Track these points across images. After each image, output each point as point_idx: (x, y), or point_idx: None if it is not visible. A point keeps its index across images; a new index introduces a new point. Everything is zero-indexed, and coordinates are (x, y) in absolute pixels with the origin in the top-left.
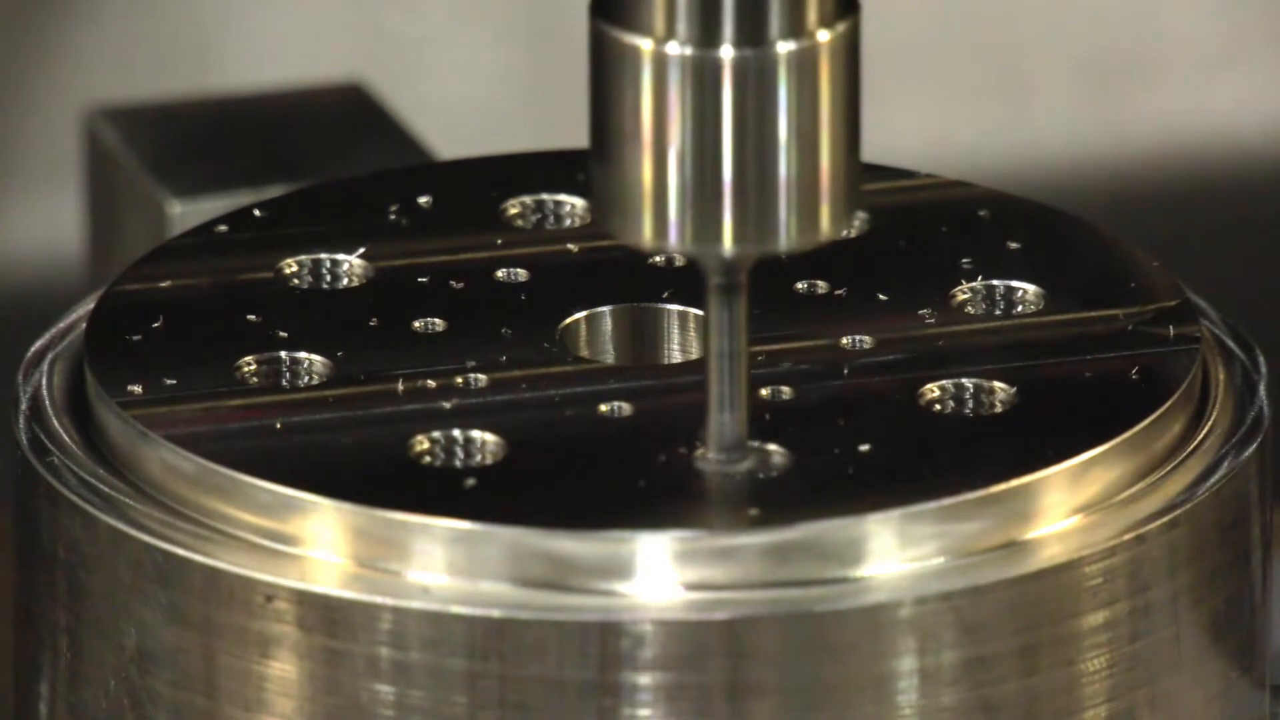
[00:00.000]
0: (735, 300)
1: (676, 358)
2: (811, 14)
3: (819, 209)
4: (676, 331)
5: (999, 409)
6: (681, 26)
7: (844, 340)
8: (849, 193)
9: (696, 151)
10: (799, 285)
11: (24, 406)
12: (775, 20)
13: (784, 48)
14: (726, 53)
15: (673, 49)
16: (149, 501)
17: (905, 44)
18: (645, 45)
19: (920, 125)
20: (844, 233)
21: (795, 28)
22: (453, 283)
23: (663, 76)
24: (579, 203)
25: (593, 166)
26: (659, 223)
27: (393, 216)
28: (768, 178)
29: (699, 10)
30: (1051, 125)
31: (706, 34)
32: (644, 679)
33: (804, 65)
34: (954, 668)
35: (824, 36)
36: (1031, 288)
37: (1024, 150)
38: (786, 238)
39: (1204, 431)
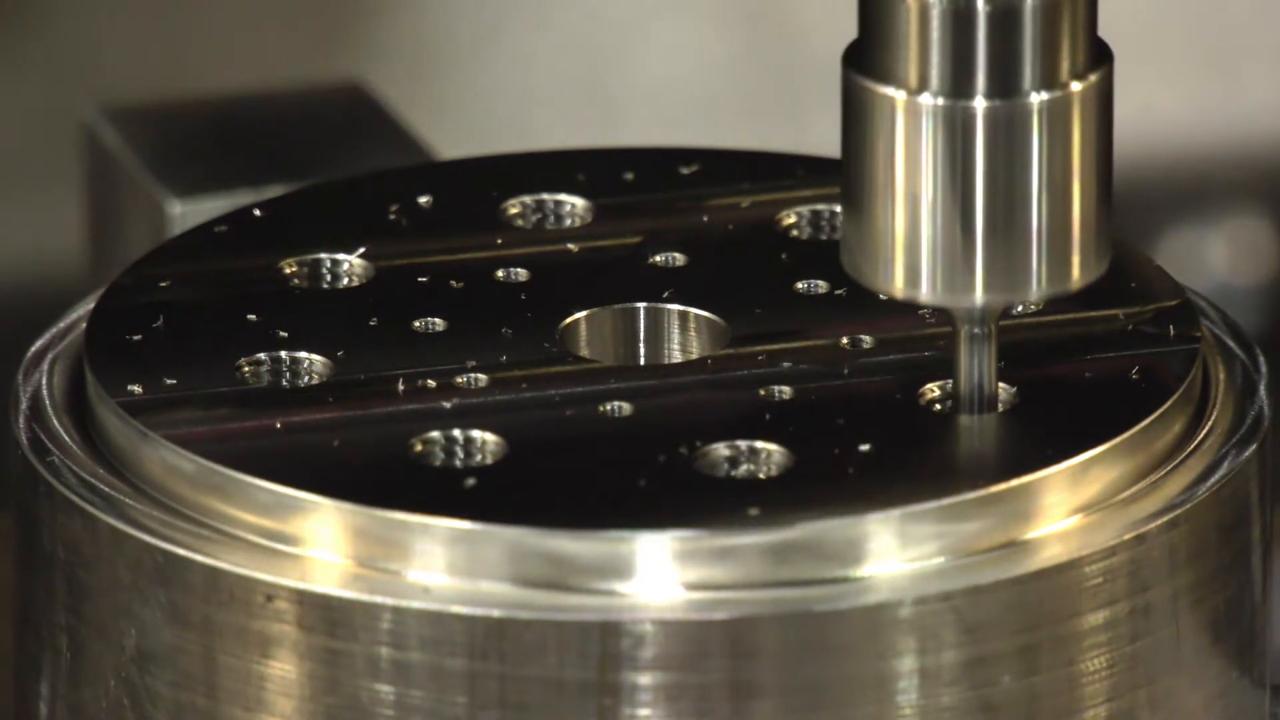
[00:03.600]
0: (985, 347)
1: (676, 358)
2: (1064, 65)
3: (1070, 257)
4: (676, 331)
5: (999, 409)
6: (935, 78)
7: (844, 340)
8: (1100, 240)
9: (949, 202)
10: (799, 285)
11: (24, 406)
12: (1028, 71)
13: (1036, 99)
14: (979, 104)
15: (926, 100)
16: (149, 501)
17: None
18: (899, 96)
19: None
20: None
21: (1048, 79)
22: (453, 282)
23: (916, 127)
24: (579, 202)
25: (844, 215)
26: (911, 273)
27: (393, 216)
28: (1020, 228)
29: (952, 62)
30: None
31: (960, 85)
32: (644, 679)
33: (1056, 116)
34: (954, 668)
35: (1077, 87)
36: None
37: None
38: (1037, 287)
39: (1204, 431)
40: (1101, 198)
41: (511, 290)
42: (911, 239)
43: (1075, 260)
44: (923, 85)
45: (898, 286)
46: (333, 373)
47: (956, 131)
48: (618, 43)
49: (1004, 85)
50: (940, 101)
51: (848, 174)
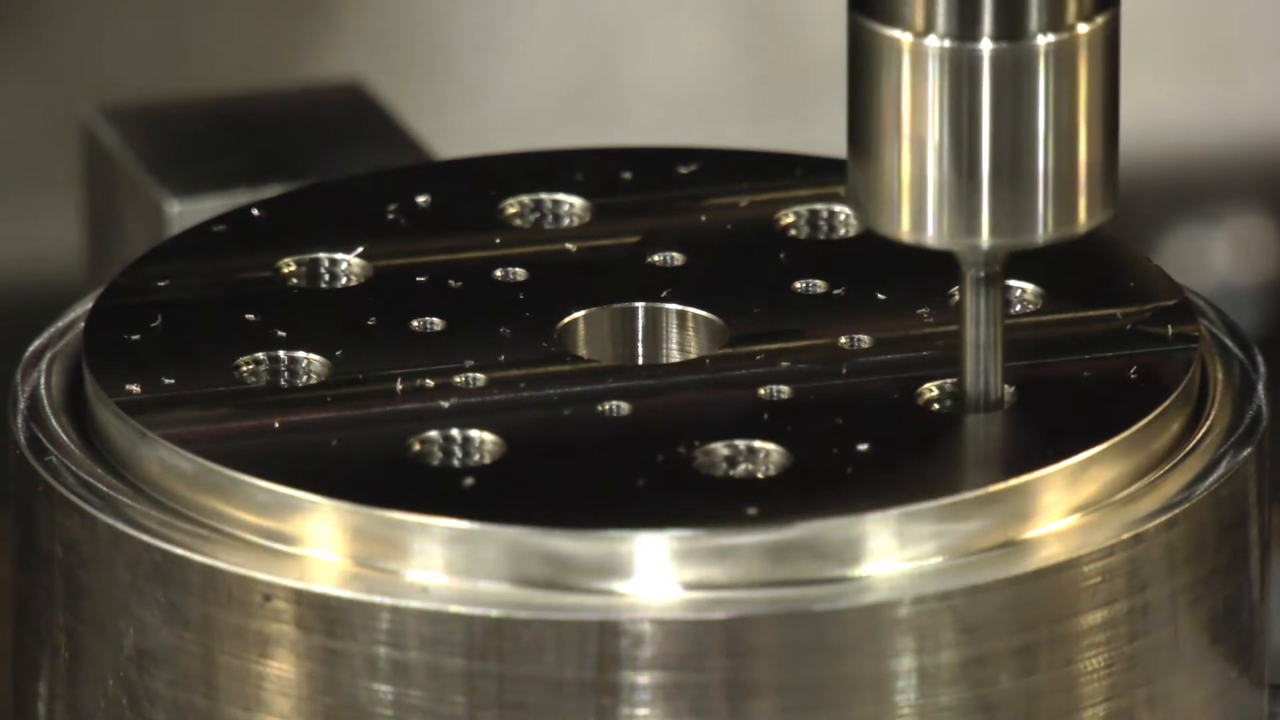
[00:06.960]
0: (992, 291)
1: (675, 357)
2: (1071, 7)
3: (1076, 201)
4: (676, 331)
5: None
6: (941, 20)
7: (843, 340)
8: (1106, 184)
9: (955, 145)
10: (798, 285)
11: (22, 406)
12: (1035, 13)
13: (1043, 40)
14: (985, 46)
15: (932, 42)
16: (147, 501)
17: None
18: (905, 39)
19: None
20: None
21: (1055, 21)
22: (451, 282)
23: (922, 70)
24: (578, 202)
25: (850, 159)
26: (917, 216)
27: (392, 216)
28: (1026, 170)
29: (958, 4)
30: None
31: (966, 27)
32: (642, 678)
33: (1063, 58)
34: (953, 667)
35: (1083, 29)
36: (1031, 288)
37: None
38: (1044, 230)
39: (1202, 431)
40: (1108, 141)
41: (510, 290)
42: (918, 182)
43: (1081, 203)
44: (929, 27)
45: (904, 229)
46: (331, 372)
47: (963, 74)
48: (618, 42)
49: (1010, 27)
50: (946, 44)
51: (854, 117)
